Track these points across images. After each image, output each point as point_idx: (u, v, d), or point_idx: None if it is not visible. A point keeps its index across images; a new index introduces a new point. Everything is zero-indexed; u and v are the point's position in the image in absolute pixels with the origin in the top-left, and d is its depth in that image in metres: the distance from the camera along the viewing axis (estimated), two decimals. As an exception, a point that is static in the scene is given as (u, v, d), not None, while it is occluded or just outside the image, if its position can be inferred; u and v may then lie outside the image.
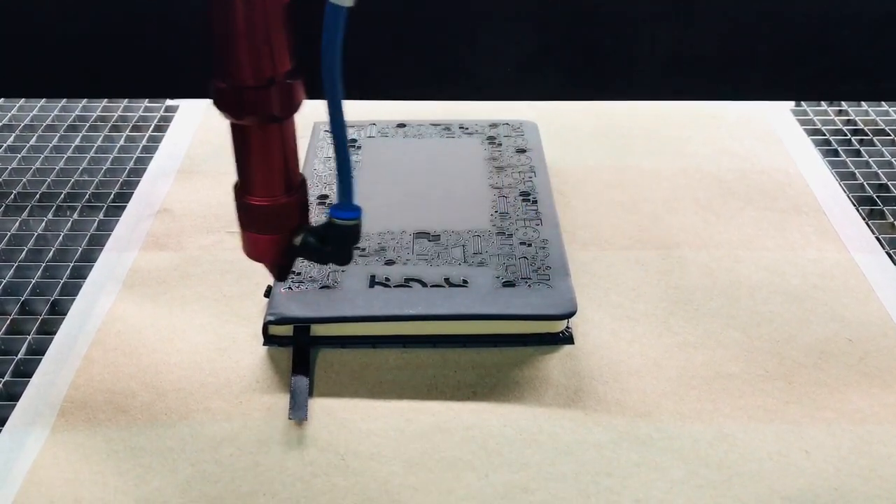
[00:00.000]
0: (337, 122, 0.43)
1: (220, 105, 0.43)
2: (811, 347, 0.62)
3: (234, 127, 0.45)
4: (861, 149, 0.87)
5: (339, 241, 0.49)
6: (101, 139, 0.89)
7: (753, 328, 0.64)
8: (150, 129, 0.90)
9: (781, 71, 0.52)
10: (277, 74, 0.42)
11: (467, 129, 0.84)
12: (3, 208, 0.78)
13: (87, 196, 0.80)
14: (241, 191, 0.48)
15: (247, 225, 0.49)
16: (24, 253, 0.72)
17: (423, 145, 0.82)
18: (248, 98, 0.43)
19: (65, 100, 0.94)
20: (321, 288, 0.63)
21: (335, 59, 0.41)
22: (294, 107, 0.44)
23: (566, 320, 0.63)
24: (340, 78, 0.42)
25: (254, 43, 0.41)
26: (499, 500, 0.51)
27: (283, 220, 0.48)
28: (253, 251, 0.50)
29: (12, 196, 0.80)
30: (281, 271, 0.52)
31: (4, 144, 0.88)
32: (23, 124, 0.91)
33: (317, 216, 0.71)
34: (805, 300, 0.66)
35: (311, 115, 0.89)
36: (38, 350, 0.62)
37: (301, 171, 0.78)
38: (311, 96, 0.45)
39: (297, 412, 0.56)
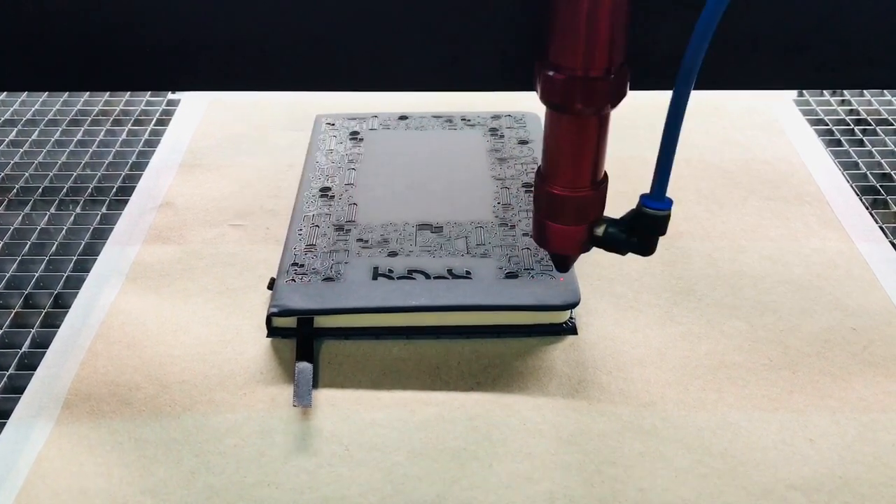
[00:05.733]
0: (679, 111, 0.43)
1: (550, 94, 0.43)
2: (815, 336, 0.62)
3: (551, 116, 0.45)
4: (864, 138, 0.87)
5: (647, 231, 0.48)
6: (103, 133, 0.89)
7: (757, 318, 0.64)
8: (153, 122, 0.90)
9: (784, 60, 0.51)
10: (615, 65, 0.42)
11: (469, 120, 0.84)
12: (5, 203, 0.78)
13: (89, 190, 0.80)
14: (547, 180, 0.47)
15: (549, 215, 0.48)
16: (27, 247, 0.72)
17: (425, 137, 0.81)
18: (584, 88, 0.42)
19: (67, 94, 0.94)
20: (324, 280, 0.63)
21: (703, 49, 0.40)
22: (620, 99, 0.44)
23: (570, 311, 0.63)
24: (698, 68, 0.41)
25: (600, 33, 0.41)
26: (503, 490, 0.51)
27: (587, 212, 0.48)
28: (550, 240, 0.49)
29: (15, 191, 0.80)
30: (565, 262, 0.52)
31: (6, 139, 0.88)
32: (25, 119, 0.91)
33: (320, 208, 0.71)
34: (808, 289, 0.66)
35: (312, 107, 0.89)
36: (42, 343, 0.62)
37: (306, 162, 0.78)
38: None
39: (302, 399, 0.56)
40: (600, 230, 0.49)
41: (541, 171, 0.48)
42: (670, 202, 0.47)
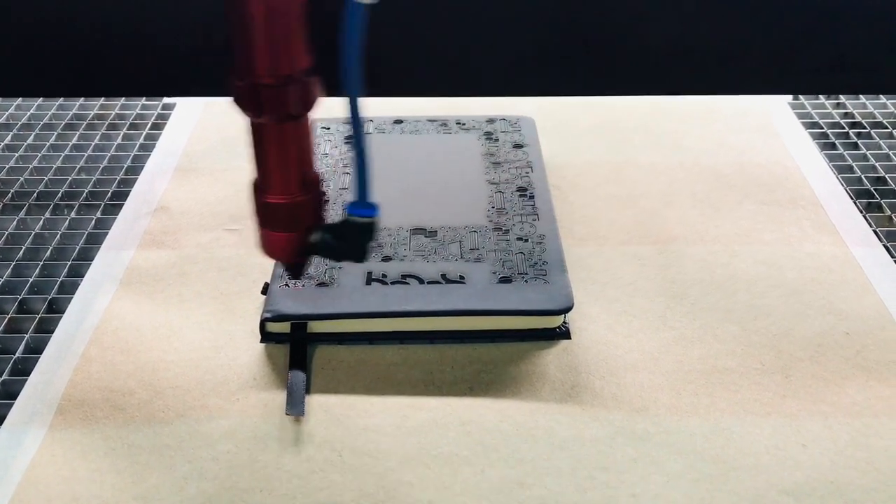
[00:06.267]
0: (355, 119, 0.44)
1: (239, 102, 0.44)
2: (808, 341, 0.62)
3: (251, 125, 0.45)
4: (859, 142, 0.87)
5: (355, 238, 0.49)
6: (98, 137, 0.89)
7: (750, 322, 0.64)
8: (148, 126, 0.90)
9: (778, 64, 0.52)
10: (295, 72, 0.43)
11: (464, 124, 0.84)
12: (0, 207, 0.78)
13: (84, 194, 0.80)
14: (258, 189, 0.48)
15: (264, 223, 0.49)
16: (21, 252, 0.72)
17: (419, 141, 0.81)
18: (266, 96, 0.43)
19: (62, 99, 0.94)
20: (318, 285, 0.63)
21: (354, 57, 0.41)
22: (311, 104, 0.45)
23: (563, 315, 0.63)
24: (360, 75, 0.42)
25: (272, 41, 0.41)
26: (495, 495, 0.51)
27: (299, 218, 0.48)
28: (270, 249, 0.50)
29: (10, 195, 0.80)
30: (296, 269, 0.52)
31: (2, 143, 0.88)
32: (20, 123, 0.91)
33: (314, 213, 0.71)
34: (802, 294, 0.66)
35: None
36: (36, 349, 0.62)
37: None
38: (329, 94, 0.45)
39: (295, 408, 0.56)
40: (314, 237, 0.49)
41: (254, 180, 0.48)
42: (374, 209, 0.48)
